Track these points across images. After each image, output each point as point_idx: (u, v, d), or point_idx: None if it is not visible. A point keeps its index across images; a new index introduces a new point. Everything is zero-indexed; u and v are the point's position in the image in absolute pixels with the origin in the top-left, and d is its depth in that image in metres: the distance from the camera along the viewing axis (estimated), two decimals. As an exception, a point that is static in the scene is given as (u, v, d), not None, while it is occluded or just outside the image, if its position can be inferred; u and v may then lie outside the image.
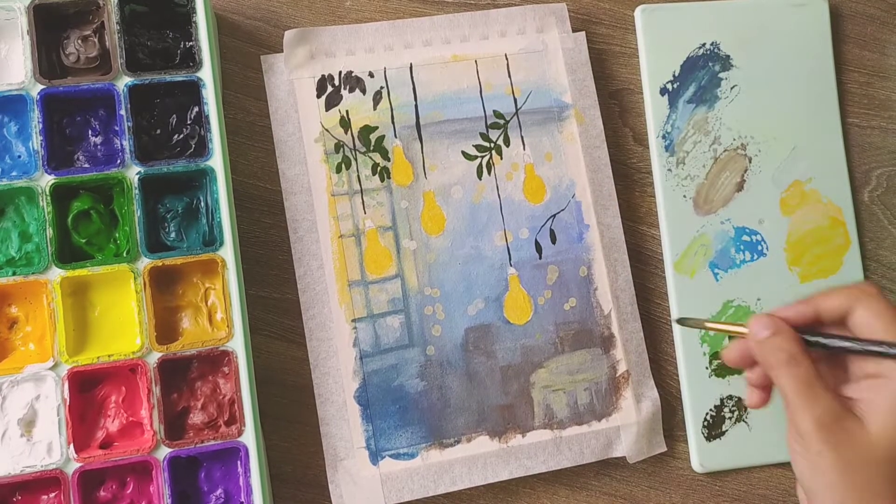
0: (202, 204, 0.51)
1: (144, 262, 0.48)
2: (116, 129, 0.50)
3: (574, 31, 0.57)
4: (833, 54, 0.60)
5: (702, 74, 0.58)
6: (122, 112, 0.49)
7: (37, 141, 0.48)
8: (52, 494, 0.46)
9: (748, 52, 0.59)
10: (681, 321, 0.48)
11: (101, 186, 0.49)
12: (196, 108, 0.51)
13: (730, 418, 0.55)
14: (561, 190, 0.55)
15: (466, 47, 0.56)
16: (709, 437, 0.55)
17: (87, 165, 0.50)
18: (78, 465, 0.45)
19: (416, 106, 0.55)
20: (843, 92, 0.61)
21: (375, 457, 0.51)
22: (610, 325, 0.54)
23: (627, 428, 0.54)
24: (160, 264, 0.48)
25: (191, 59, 0.51)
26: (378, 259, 0.53)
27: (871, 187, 0.60)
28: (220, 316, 0.49)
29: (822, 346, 0.42)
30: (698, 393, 0.55)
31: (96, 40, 0.51)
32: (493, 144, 0.55)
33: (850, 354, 0.42)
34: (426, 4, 0.57)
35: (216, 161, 0.49)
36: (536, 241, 0.55)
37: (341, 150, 0.54)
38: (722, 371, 0.56)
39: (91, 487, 0.47)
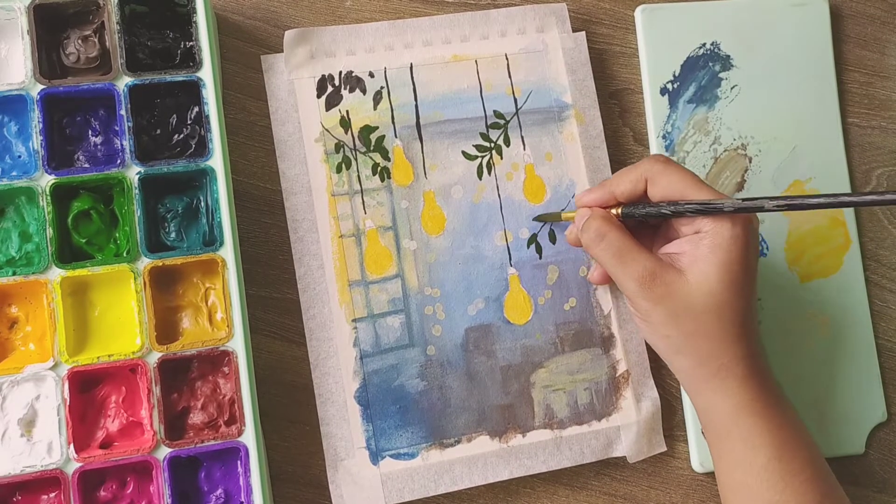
0: (202, 204, 0.51)
1: (144, 262, 0.48)
2: (116, 129, 0.50)
3: (574, 31, 0.57)
4: (833, 54, 0.60)
5: (702, 74, 0.58)
6: (123, 112, 0.49)
7: (37, 141, 0.48)
8: (52, 494, 0.46)
9: (748, 52, 0.59)
10: (539, 218, 0.54)
11: (102, 186, 0.49)
12: (196, 108, 0.51)
13: (730, 418, 0.55)
14: (561, 190, 0.55)
15: (466, 47, 0.56)
16: (709, 437, 0.55)
17: (87, 165, 0.50)
18: (78, 465, 0.45)
19: (416, 106, 0.55)
20: (843, 92, 0.61)
21: (376, 457, 0.51)
22: (610, 324, 0.54)
23: (627, 428, 0.54)
24: (160, 264, 0.48)
25: (191, 59, 0.51)
26: (378, 259, 0.53)
27: (872, 187, 0.60)
28: (220, 316, 0.49)
29: (633, 216, 0.48)
30: (698, 393, 0.55)
31: (96, 40, 0.51)
32: (493, 144, 0.55)
33: (653, 218, 0.47)
34: (426, 4, 0.57)
35: (216, 161, 0.49)
36: (537, 241, 0.55)
37: (341, 150, 0.54)
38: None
39: (91, 487, 0.47)
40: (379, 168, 0.54)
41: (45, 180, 0.48)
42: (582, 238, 0.48)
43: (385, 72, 0.55)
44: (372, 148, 0.54)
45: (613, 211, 0.49)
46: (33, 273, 0.47)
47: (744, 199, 0.44)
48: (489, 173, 0.55)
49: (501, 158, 0.55)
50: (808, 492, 0.43)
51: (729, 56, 0.59)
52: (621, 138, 0.58)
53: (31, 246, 0.49)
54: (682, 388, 0.54)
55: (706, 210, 0.44)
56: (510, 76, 0.56)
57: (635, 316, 0.48)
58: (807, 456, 0.44)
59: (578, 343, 0.54)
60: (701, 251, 0.44)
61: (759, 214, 0.58)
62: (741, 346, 0.45)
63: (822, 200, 0.42)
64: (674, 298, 0.44)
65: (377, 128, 0.54)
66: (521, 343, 0.54)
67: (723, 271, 0.44)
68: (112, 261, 0.48)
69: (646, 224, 0.50)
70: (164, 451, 0.46)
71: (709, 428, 0.47)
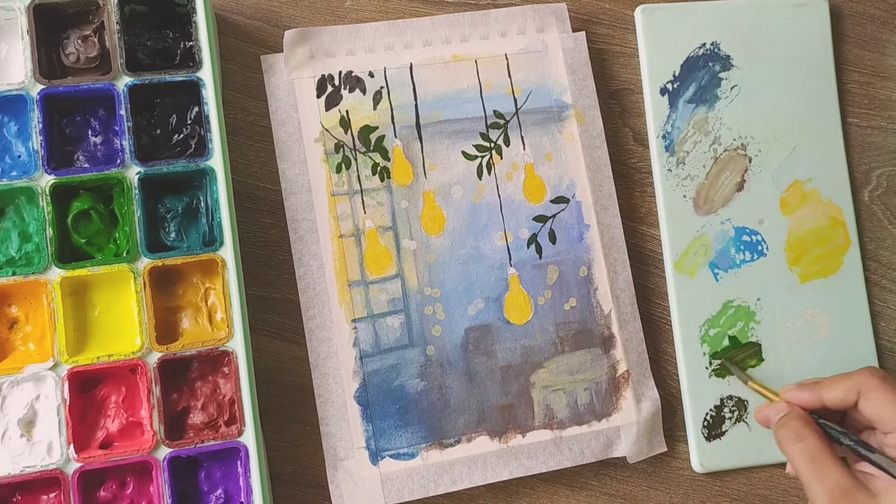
0: (202, 204, 0.51)
1: (144, 262, 0.48)
2: (116, 129, 0.50)
3: (574, 30, 0.57)
4: (833, 54, 0.60)
5: (702, 74, 0.58)
6: (122, 112, 0.49)
7: (37, 141, 0.48)
8: (52, 494, 0.46)
9: (748, 52, 0.59)
10: (726, 362, 0.54)
11: (101, 186, 0.49)
12: (196, 108, 0.51)
13: (730, 418, 0.55)
14: (561, 190, 0.55)
15: (466, 47, 0.56)
16: (709, 437, 0.55)
17: (86, 165, 0.50)
18: (78, 465, 0.45)
19: (416, 106, 0.55)
20: (843, 92, 0.61)
21: (375, 457, 0.51)
22: (610, 325, 0.54)
23: (627, 428, 0.53)
24: (160, 264, 0.48)
25: (191, 59, 0.51)
26: (378, 259, 0.53)
27: (872, 187, 0.60)
28: (220, 316, 0.49)
29: (832, 439, 0.46)
30: (698, 393, 0.55)
31: (96, 40, 0.51)
32: (493, 144, 0.55)
33: (851, 453, 0.46)
34: (426, 4, 0.57)
35: (216, 161, 0.49)
36: (537, 241, 0.55)
37: (341, 150, 0.54)
38: (722, 371, 0.56)
39: (91, 487, 0.47)
40: (379, 168, 0.54)
41: (45, 180, 0.48)
42: (777, 433, 0.48)
43: (385, 72, 0.55)
44: (372, 148, 0.54)
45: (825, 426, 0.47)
46: (33, 273, 0.47)
47: None
48: (489, 173, 0.55)
49: (501, 158, 0.55)
50: None
51: (729, 56, 0.59)
52: (621, 138, 0.58)
53: (31, 246, 0.49)
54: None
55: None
56: (510, 76, 0.56)
57: None
58: None
59: (578, 343, 0.54)
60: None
61: (759, 213, 0.58)
62: None
63: None
64: None
65: (377, 128, 0.54)
66: (520, 343, 0.54)
67: None
68: (112, 261, 0.48)
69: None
70: (164, 452, 0.46)
71: None
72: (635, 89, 0.59)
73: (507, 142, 0.55)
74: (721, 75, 0.58)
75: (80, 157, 0.50)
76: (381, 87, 0.55)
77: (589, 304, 0.55)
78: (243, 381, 0.47)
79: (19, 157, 0.50)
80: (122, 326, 0.48)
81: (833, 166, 0.59)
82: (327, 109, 0.54)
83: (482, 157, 0.55)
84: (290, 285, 0.53)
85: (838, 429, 0.46)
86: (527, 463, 0.52)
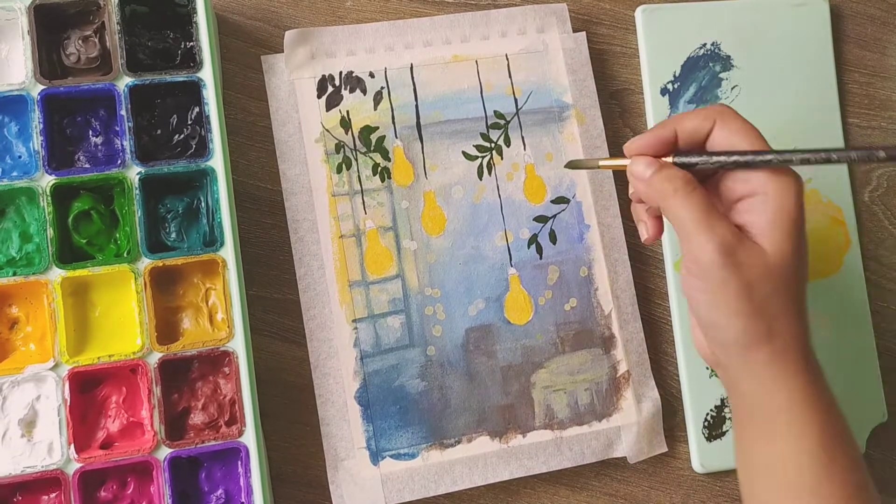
0: (202, 204, 0.51)
1: (145, 263, 0.48)
2: (117, 129, 0.50)
3: (575, 31, 0.57)
4: (833, 54, 0.60)
5: (702, 74, 0.58)
6: (123, 112, 0.49)
7: (37, 141, 0.48)
8: (53, 495, 0.46)
9: (748, 53, 0.59)
10: (570, 164, 0.48)
11: (102, 187, 0.49)
12: (196, 109, 0.51)
13: (730, 418, 0.55)
14: (561, 190, 0.55)
15: (467, 47, 0.56)
16: (709, 438, 0.55)
17: (87, 166, 0.50)
18: (78, 465, 0.45)
19: (416, 106, 0.55)
20: (843, 92, 0.61)
21: (376, 457, 0.51)
22: (610, 325, 0.54)
23: (628, 428, 0.54)
24: (161, 264, 0.48)
25: (191, 60, 0.51)
26: (379, 259, 0.53)
27: (872, 187, 0.60)
28: (220, 316, 0.49)
29: (696, 166, 0.41)
30: (699, 393, 0.55)
31: (97, 40, 0.51)
32: (493, 144, 0.55)
33: (735, 169, 0.41)
34: (426, 4, 0.57)
35: (216, 161, 0.49)
36: (537, 241, 0.55)
37: (342, 150, 0.54)
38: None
39: (91, 488, 0.47)
40: (379, 168, 0.54)
41: (46, 180, 0.48)
42: (654, 187, 0.41)
43: (385, 72, 0.55)
44: (372, 148, 0.54)
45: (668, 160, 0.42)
46: (34, 273, 0.47)
47: (809, 151, 0.40)
48: (489, 173, 0.55)
49: (502, 158, 0.55)
50: (847, 483, 0.41)
51: (729, 56, 0.59)
52: (621, 138, 0.58)
53: (32, 246, 0.49)
54: (718, 371, 0.45)
55: (779, 162, 0.40)
56: (510, 76, 0.56)
57: (692, 284, 0.41)
58: (849, 444, 0.42)
59: (579, 343, 0.54)
60: (770, 216, 0.40)
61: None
62: (801, 321, 0.41)
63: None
64: (751, 269, 0.39)
65: (377, 128, 0.54)
66: (521, 343, 0.54)
67: (794, 238, 0.40)
68: (112, 261, 0.48)
69: None
70: (164, 452, 0.46)
71: (751, 411, 0.42)
72: (636, 89, 0.59)
73: (507, 142, 0.56)
74: (721, 75, 0.58)
75: (81, 158, 0.50)
76: (382, 88, 0.55)
77: (589, 304, 0.55)
78: (244, 382, 0.47)
79: (20, 157, 0.50)
80: (123, 327, 0.48)
81: (833, 166, 0.59)
82: (328, 110, 0.54)
83: (483, 157, 0.55)
84: (291, 285, 0.53)
85: (713, 152, 0.41)
86: (527, 463, 0.52)
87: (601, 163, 0.46)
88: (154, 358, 0.47)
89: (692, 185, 0.41)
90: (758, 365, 0.41)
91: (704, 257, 0.40)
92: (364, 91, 0.55)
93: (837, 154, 0.39)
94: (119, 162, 0.49)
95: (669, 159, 0.42)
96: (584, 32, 0.57)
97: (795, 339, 0.41)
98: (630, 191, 0.45)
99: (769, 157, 0.40)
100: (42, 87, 0.48)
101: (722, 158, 0.41)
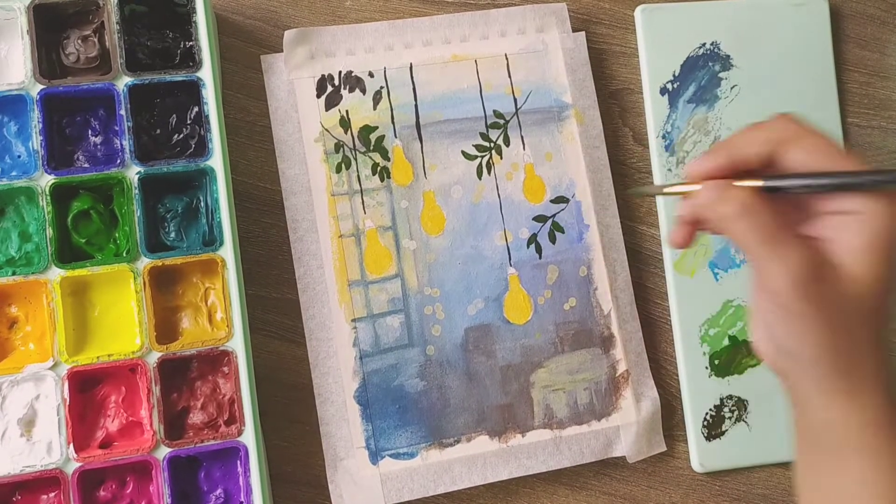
0: (202, 204, 0.51)
1: (144, 262, 0.48)
2: (116, 128, 0.50)
3: (574, 30, 0.57)
4: (833, 54, 0.60)
5: (702, 74, 0.58)
6: (122, 112, 0.49)
7: (37, 141, 0.48)
8: (52, 494, 0.46)
9: (748, 52, 0.59)
10: (633, 192, 0.44)
11: (101, 186, 0.49)
12: (196, 108, 0.51)
13: (729, 418, 0.55)
14: (561, 190, 0.55)
15: (466, 47, 0.56)
16: (709, 437, 0.55)
17: (86, 165, 0.50)
18: (78, 464, 0.45)
19: (416, 106, 0.55)
20: (843, 92, 0.61)
21: (375, 456, 0.51)
22: (610, 324, 0.54)
23: (627, 428, 0.54)
24: (160, 264, 0.48)
25: (191, 59, 0.51)
26: (378, 259, 0.53)
27: (871, 187, 0.60)
28: (219, 316, 0.49)
29: (780, 190, 0.36)
30: (698, 393, 0.55)
31: (96, 40, 0.51)
32: (492, 144, 0.55)
33: (817, 193, 0.36)
34: (426, 4, 0.57)
35: (216, 161, 0.49)
36: (536, 240, 0.55)
37: (341, 149, 0.54)
38: (722, 371, 0.56)
39: (91, 487, 0.47)
40: (379, 168, 0.54)
41: (45, 180, 0.48)
42: (716, 211, 0.37)
43: (385, 72, 0.55)
44: (372, 148, 0.54)
45: (747, 183, 0.37)
46: (33, 273, 0.47)
47: None
48: (489, 173, 0.55)
49: (501, 158, 0.55)
50: None
51: (729, 56, 0.59)
52: (621, 138, 0.58)
53: (31, 246, 0.49)
54: (780, 379, 0.40)
55: (883, 183, 0.35)
56: (510, 76, 0.56)
57: (768, 312, 0.37)
58: None
59: (578, 343, 0.54)
60: (866, 240, 0.35)
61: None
62: (882, 351, 0.37)
63: None
64: (835, 301, 0.36)
65: (377, 128, 0.54)
66: (520, 343, 0.54)
67: (883, 265, 0.36)
68: (112, 261, 0.48)
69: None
70: (163, 451, 0.46)
71: (818, 433, 0.39)
72: (635, 89, 0.59)
73: (506, 142, 0.56)
74: (721, 75, 0.58)
75: (80, 157, 0.50)
76: (381, 87, 0.55)
77: (588, 303, 0.55)
78: (243, 381, 0.47)
79: (19, 156, 0.50)
80: (122, 326, 0.48)
81: None
82: (327, 109, 0.54)
83: (482, 156, 0.55)
84: (290, 285, 0.53)
85: (785, 175, 0.36)
86: (526, 462, 0.52)
87: (666, 190, 0.41)
88: (153, 357, 0.47)
89: (756, 206, 0.36)
90: (833, 393, 0.38)
91: (778, 286, 0.36)
92: (363, 91, 0.55)
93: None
94: (118, 161, 0.49)
95: (758, 183, 0.37)
96: (583, 32, 0.57)
97: (876, 371, 0.37)
98: (683, 211, 0.39)
99: (871, 178, 0.35)
100: (41, 86, 0.48)
101: (811, 181, 0.36)
